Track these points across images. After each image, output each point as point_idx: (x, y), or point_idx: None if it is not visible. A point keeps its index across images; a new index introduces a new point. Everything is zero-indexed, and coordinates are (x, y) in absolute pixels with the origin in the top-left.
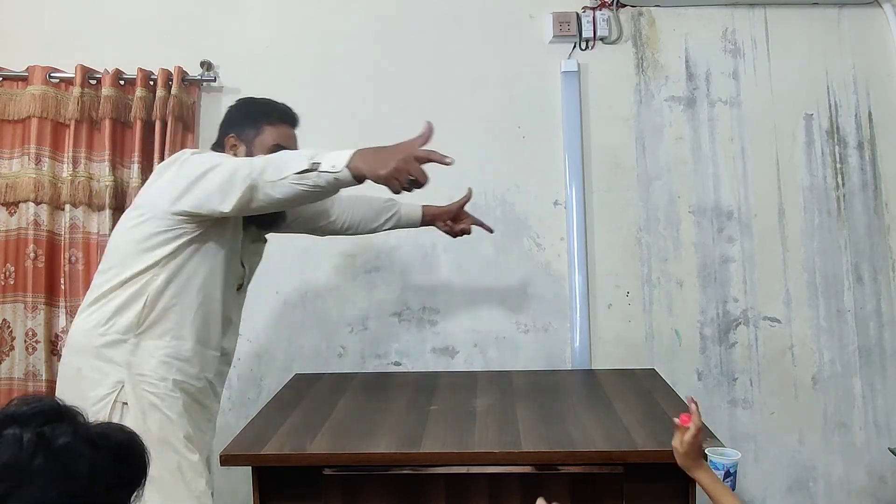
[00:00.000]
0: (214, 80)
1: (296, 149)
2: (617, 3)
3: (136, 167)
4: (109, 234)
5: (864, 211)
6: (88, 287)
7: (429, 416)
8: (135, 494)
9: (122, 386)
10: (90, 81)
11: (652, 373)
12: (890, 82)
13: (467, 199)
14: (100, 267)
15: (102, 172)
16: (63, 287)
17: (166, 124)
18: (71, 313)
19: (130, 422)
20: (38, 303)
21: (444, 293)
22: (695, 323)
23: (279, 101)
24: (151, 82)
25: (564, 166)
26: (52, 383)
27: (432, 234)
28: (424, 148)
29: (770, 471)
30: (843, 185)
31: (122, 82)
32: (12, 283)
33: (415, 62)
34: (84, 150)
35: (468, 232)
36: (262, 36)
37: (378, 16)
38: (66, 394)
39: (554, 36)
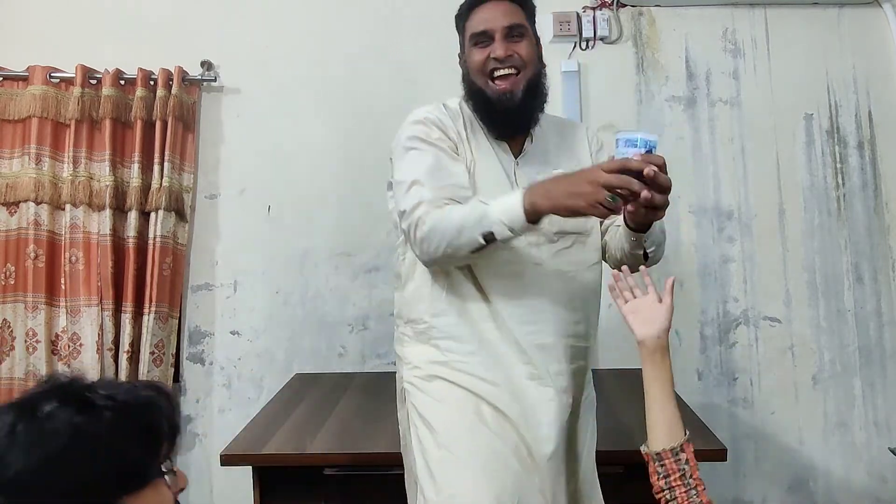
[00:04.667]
0: (214, 80)
1: (498, 23)
2: (617, 3)
3: (136, 167)
4: (109, 234)
5: (864, 211)
6: (89, 287)
7: None
8: (165, 456)
9: None
10: (90, 81)
11: None
12: (890, 82)
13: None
14: None
15: (103, 172)
16: (63, 287)
17: (167, 124)
18: (71, 313)
19: None
20: (38, 303)
21: None
22: (695, 323)
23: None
24: (152, 82)
25: None
26: None
27: None
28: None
29: (770, 471)
30: (843, 185)
31: (122, 82)
32: (12, 282)
33: (414, 62)
34: (84, 149)
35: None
36: (262, 36)
37: (377, 16)
38: None
39: (554, 36)
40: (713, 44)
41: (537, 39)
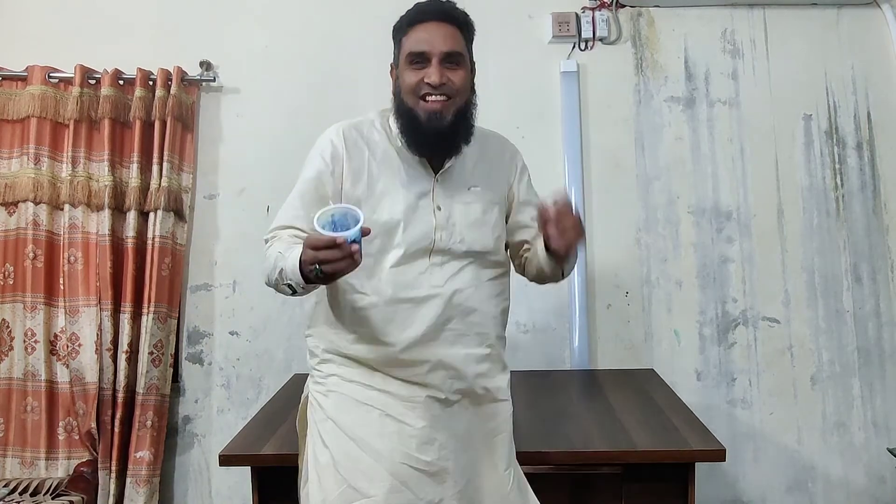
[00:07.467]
0: (214, 80)
1: (437, 48)
2: (616, 4)
3: (135, 167)
4: (108, 235)
5: (863, 211)
6: (87, 287)
7: None
8: None
9: None
10: (89, 81)
11: (651, 373)
12: (889, 83)
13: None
14: None
15: (101, 172)
16: (62, 287)
17: (166, 124)
18: (70, 313)
19: None
20: (37, 303)
21: None
22: (694, 323)
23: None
24: (151, 82)
25: (564, 167)
26: (50, 383)
27: None
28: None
29: (769, 471)
30: (842, 185)
31: (121, 82)
32: (11, 282)
33: None
34: (83, 149)
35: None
36: (262, 36)
37: (377, 16)
38: None
39: (553, 36)
40: (712, 44)
41: (472, 66)
